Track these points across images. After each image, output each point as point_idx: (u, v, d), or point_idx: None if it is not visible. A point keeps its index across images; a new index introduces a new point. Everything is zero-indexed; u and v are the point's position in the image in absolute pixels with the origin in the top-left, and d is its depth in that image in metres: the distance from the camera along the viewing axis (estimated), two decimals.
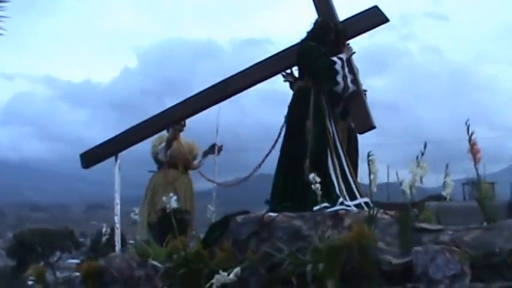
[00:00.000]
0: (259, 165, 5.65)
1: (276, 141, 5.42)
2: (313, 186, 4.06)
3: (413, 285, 3.48)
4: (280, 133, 5.38)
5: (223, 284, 4.12)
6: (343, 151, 4.95)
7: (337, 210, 4.42)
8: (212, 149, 6.55)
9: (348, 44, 5.10)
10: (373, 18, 5.05)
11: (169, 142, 6.40)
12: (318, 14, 5.26)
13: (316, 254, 3.71)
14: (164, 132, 6.55)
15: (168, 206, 5.88)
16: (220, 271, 3.96)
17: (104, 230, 6.55)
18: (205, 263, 4.30)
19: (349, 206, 4.58)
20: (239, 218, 4.54)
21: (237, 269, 3.95)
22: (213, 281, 3.95)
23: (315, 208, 4.55)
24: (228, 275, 3.94)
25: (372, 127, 4.89)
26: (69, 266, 27.09)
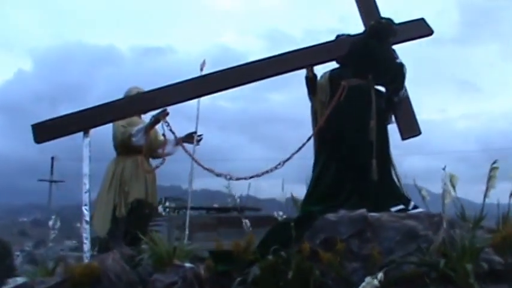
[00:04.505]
0: (287, 160, 5.23)
1: (308, 139, 5.11)
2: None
3: None
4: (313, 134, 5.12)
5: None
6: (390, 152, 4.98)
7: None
8: (190, 138, 5.71)
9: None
10: (420, 30, 5.23)
11: (153, 124, 5.40)
12: (364, 15, 5.21)
13: (462, 255, 3.70)
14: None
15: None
16: (367, 278, 3.59)
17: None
18: (313, 265, 3.82)
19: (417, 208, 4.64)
20: (332, 217, 4.16)
21: (381, 274, 3.64)
22: None
23: (394, 209, 4.48)
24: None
25: (419, 133, 5.05)
26: None
